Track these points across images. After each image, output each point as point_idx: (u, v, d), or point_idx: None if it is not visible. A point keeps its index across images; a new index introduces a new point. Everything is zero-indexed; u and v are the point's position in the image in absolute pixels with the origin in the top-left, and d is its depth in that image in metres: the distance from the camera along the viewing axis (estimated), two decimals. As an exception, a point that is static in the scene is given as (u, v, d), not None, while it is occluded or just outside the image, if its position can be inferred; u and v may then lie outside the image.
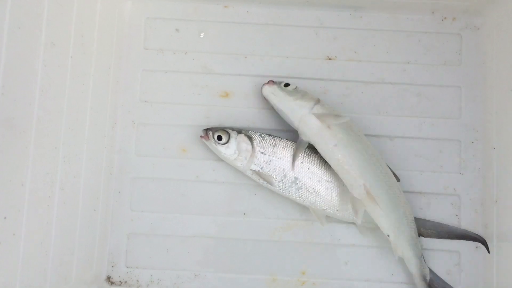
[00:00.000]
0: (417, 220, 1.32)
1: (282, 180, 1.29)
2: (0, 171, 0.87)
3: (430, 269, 1.29)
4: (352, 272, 1.35)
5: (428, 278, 1.28)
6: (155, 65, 1.41)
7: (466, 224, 1.36)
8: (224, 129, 1.31)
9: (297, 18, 1.42)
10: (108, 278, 1.34)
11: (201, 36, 1.42)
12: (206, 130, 1.32)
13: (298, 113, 1.26)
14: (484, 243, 1.31)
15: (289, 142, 1.31)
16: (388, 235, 1.27)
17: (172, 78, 1.41)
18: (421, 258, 1.28)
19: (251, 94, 1.40)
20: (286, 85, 1.30)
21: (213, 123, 1.38)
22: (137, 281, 1.34)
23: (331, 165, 1.26)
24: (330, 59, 1.42)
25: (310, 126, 1.25)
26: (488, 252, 1.30)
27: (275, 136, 1.32)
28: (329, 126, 1.25)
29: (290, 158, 1.30)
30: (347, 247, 1.36)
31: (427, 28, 1.42)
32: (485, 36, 1.39)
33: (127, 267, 1.35)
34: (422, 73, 1.40)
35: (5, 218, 0.87)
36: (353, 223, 1.33)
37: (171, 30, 1.42)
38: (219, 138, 1.30)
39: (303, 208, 1.34)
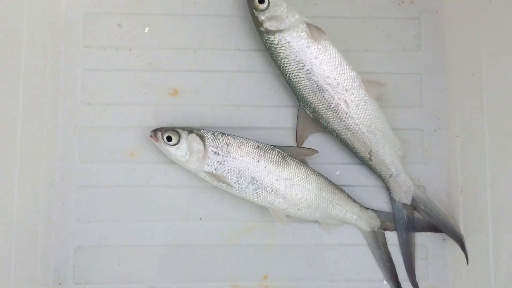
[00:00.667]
0: (381, 213, 1.28)
1: (238, 181, 1.21)
2: None
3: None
4: (317, 273, 1.28)
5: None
6: (97, 63, 1.31)
7: (433, 216, 1.31)
8: (174, 129, 1.22)
9: (247, 7, 1.33)
10: (55, 296, 1.24)
11: (146, 31, 1.33)
12: (155, 131, 1.23)
13: None
14: (451, 234, 1.25)
15: (243, 140, 1.23)
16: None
17: (116, 77, 1.31)
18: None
19: (202, 90, 1.31)
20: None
21: (162, 123, 1.29)
22: (87, 297, 1.25)
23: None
24: (284, 49, 1.34)
25: None
26: (461, 241, 1.24)
27: (229, 135, 1.23)
28: None
29: (245, 157, 1.22)
30: (310, 247, 1.29)
31: (384, 13, 1.35)
32: (444, 19, 1.34)
33: (75, 284, 1.25)
34: (381, 60, 1.34)
35: None
36: (316, 222, 1.27)
37: (113, 25, 1.32)
38: (169, 138, 1.21)
39: (263, 209, 1.26)
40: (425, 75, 1.34)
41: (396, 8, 1.35)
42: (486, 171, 1.15)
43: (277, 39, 1.22)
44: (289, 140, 1.30)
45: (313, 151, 1.26)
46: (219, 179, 1.20)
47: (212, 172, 1.21)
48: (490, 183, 1.14)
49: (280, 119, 1.31)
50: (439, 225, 1.24)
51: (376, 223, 1.26)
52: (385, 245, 1.27)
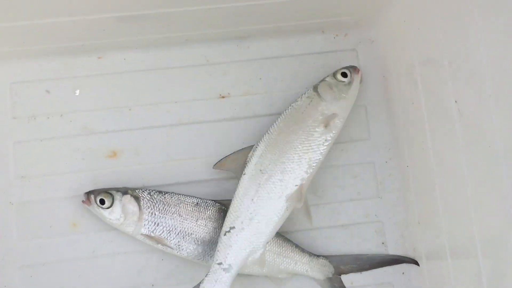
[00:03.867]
0: (333, 258, 1.22)
1: (178, 241, 1.16)
2: None
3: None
4: (282, 327, 1.21)
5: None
6: (27, 134, 1.25)
7: (395, 250, 1.26)
8: (107, 191, 1.17)
9: (180, 58, 1.30)
10: None
11: (77, 94, 1.28)
12: (88, 194, 1.17)
13: None
14: (407, 260, 1.23)
15: (181, 198, 1.18)
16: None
17: (49, 146, 1.25)
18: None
19: (141, 149, 1.26)
20: None
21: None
22: None
23: None
24: (223, 97, 1.30)
25: None
26: (417, 264, 1.22)
27: (166, 193, 1.18)
28: None
29: (184, 216, 1.16)
30: (272, 300, 1.23)
31: (320, 48, 1.33)
32: (381, 48, 1.32)
33: None
34: (323, 96, 1.31)
35: None
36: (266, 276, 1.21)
37: (41, 92, 1.27)
38: (102, 201, 1.15)
39: (218, 266, 1.20)
40: (370, 107, 1.31)
41: (331, 42, 1.33)
42: (438, 200, 1.11)
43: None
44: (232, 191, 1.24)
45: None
46: (157, 241, 1.15)
47: (150, 234, 1.15)
48: (442, 211, 1.10)
49: (223, 170, 1.26)
50: (368, 266, 1.23)
51: (330, 269, 1.20)
52: (344, 289, 1.21)
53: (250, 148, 1.18)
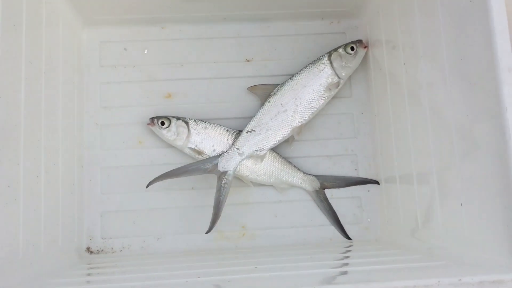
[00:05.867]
0: (320, 176, 1.73)
1: (212, 154, 1.68)
2: (2, 156, 1.20)
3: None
4: (281, 222, 1.72)
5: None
6: (110, 78, 1.78)
7: (363, 175, 1.76)
8: (166, 116, 1.69)
9: (220, 31, 1.82)
10: (88, 248, 1.67)
11: (145, 52, 1.80)
12: (152, 118, 1.69)
13: None
14: (372, 181, 1.73)
15: (216, 126, 1.70)
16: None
17: (125, 87, 1.78)
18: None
19: (188, 93, 1.79)
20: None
21: (161, 119, 1.75)
22: (111, 248, 1.68)
23: None
24: (248, 61, 1.82)
25: None
26: (378, 184, 1.72)
27: (206, 121, 1.70)
28: None
29: (218, 137, 1.68)
30: (275, 203, 1.73)
31: (319, 30, 1.84)
32: (363, 32, 1.83)
33: (102, 238, 1.68)
34: (319, 65, 1.82)
35: (8, 186, 1.21)
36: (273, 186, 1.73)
37: (121, 49, 1.80)
38: (162, 123, 1.67)
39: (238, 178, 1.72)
40: (353, 74, 1.81)
41: (327, 27, 1.85)
42: (392, 141, 1.60)
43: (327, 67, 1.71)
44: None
45: (272, 132, 1.73)
46: (199, 153, 1.67)
47: (194, 148, 1.67)
48: (394, 149, 1.59)
49: (245, 111, 1.77)
50: (344, 184, 1.74)
51: (317, 184, 1.72)
52: (326, 199, 1.71)
53: (274, 86, 1.72)
